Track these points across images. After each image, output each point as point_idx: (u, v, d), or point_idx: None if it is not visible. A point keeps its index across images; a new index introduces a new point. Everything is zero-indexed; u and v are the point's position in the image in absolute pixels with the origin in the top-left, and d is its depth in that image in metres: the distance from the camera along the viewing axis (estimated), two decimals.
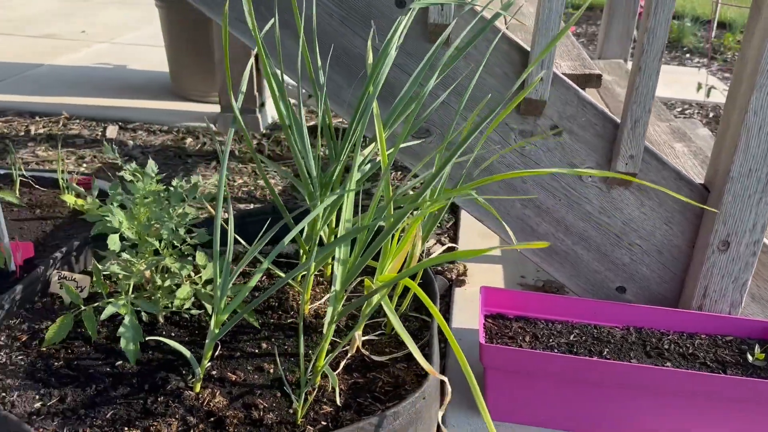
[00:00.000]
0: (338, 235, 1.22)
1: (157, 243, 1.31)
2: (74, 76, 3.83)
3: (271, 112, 3.35)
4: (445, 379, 1.18)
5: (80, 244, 1.50)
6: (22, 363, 1.27)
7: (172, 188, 1.34)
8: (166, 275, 1.32)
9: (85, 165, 2.75)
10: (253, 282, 1.17)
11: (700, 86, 3.55)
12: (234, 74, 2.96)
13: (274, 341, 1.38)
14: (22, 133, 3.08)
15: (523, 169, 1.60)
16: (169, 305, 1.34)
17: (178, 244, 1.34)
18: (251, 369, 1.29)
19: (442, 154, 1.38)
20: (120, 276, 1.27)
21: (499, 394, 1.45)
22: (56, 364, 1.27)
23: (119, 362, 1.28)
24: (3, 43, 4.47)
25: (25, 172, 2.17)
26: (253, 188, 2.68)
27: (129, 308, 1.22)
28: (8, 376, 1.23)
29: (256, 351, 1.35)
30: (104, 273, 1.28)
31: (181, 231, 1.32)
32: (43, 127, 3.16)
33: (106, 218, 1.27)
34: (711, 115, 3.95)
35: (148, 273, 1.33)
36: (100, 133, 3.11)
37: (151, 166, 1.33)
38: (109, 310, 1.21)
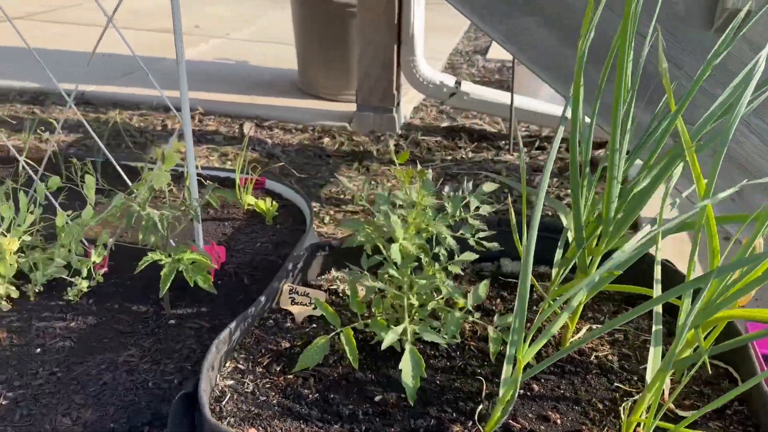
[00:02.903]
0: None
1: (424, 257, 1.12)
2: (199, 71, 3.74)
3: (404, 111, 3.17)
4: None
5: (307, 255, 1.33)
6: (273, 393, 1.10)
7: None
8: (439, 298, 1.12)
9: (229, 162, 2.62)
10: (555, 328, 0.96)
11: None
12: (372, 70, 2.80)
13: (544, 381, 1.17)
14: (159, 128, 2.98)
15: None
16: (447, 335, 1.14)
17: (446, 263, 1.14)
18: (533, 417, 1.09)
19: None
20: (389, 294, 1.08)
21: None
22: (310, 395, 1.09)
23: (378, 396, 1.09)
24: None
25: (201, 170, 2.03)
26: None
27: (411, 336, 1.03)
28: (262, 408, 1.06)
29: (528, 393, 1.14)
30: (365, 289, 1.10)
31: (469, 234, 1.13)
32: (179, 122, 3.06)
33: (368, 227, 1.09)
34: None
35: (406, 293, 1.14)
36: (236, 130, 2.99)
37: (428, 179, 1.13)
38: (389, 338, 1.02)
